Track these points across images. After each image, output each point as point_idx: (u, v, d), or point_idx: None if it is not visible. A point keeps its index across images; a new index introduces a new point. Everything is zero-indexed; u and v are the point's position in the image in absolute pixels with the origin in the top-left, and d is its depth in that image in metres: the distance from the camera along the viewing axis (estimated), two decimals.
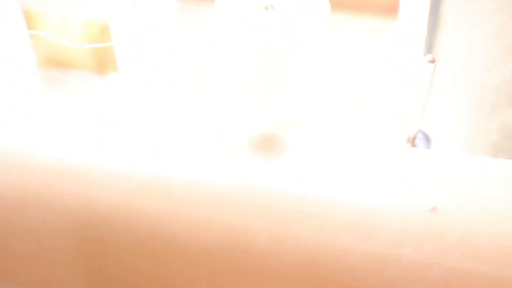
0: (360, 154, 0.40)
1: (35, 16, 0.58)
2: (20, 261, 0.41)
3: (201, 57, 0.54)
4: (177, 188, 0.38)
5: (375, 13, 0.62)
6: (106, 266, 0.40)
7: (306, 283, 0.38)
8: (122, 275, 0.40)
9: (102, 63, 0.63)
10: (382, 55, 0.55)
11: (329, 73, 0.53)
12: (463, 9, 0.60)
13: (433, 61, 0.37)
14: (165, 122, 0.42)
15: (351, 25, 0.62)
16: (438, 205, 0.37)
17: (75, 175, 0.39)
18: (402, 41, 0.58)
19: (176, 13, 0.60)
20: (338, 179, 0.39)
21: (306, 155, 0.40)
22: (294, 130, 0.42)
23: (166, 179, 0.39)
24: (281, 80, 0.41)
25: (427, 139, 0.46)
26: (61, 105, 0.46)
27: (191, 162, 0.39)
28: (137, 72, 0.57)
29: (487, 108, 0.58)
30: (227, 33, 0.40)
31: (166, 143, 0.40)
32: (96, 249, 0.39)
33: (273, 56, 0.40)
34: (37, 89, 0.55)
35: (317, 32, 0.41)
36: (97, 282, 0.41)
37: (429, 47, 0.57)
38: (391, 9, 0.64)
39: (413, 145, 0.44)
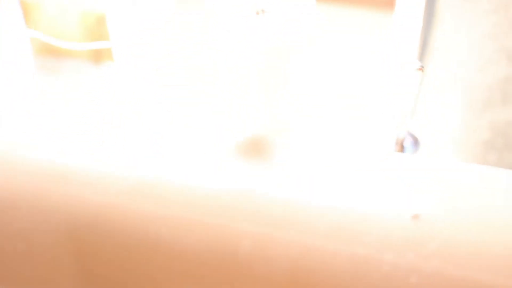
0: (346, 159, 0.40)
1: (32, 8, 0.59)
2: (10, 262, 0.42)
3: (201, 57, 0.54)
4: (166, 191, 0.39)
5: (371, 7, 0.62)
6: (97, 267, 0.41)
7: (290, 287, 0.39)
8: (113, 276, 0.41)
9: (98, 53, 0.63)
10: (377, 54, 0.56)
11: (324, 72, 0.54)
12: (458, 9, 0.60)
13: (421, 69, 0.38)
14: (160, 123, 0.42)
15: (347, 19, 0.62)
16: (421, 213, 0.37)
17: (67, 175, 0.40)
18: (398, 36, 0.58)
19: (176, 12, 0.60)
20: (324, 184, 0.39)
21: (292, 159, 0.40)
22: (284, 133, 0.43)
23: (154, 182, 0.39)
24: (280, 80, 0.41)
25: (416, 141, 0.46)
26: (55, 99, 0.46)
27: (181, 164, 0.40)
28: (134, 66, 0.57)
29: (479, 106, 0.59)
30: (226, 34, 0.40)
31: (160, 144, 0.41)
32: (87, 250, 0.40)
33: (272, 56, 0.40)
34: (33, 81, 0.55)
35: (310, 30, 0.41)
36: (87, 282, 0.41)
37: (424, 46, 0.58)
38: (388, 3, 0.63)
39: (402, 147, 0.44)
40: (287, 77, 0.41)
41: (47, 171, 0.40)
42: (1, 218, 0.41)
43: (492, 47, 0.59)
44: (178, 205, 0.39)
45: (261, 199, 0.39)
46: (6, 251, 0.42)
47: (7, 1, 0.59)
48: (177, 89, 0.51)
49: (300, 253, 0.38)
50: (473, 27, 0.59)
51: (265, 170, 0.40)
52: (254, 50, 0.39)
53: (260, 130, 0.42)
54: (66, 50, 0.62)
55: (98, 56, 0.63)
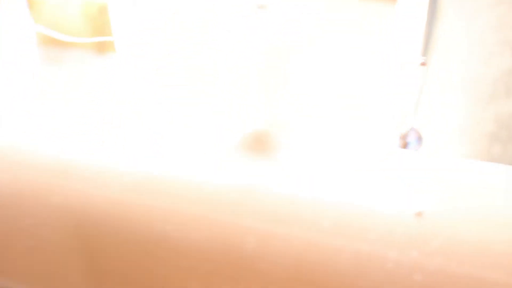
0: (350, 156, 0.40)
1: (35, 0, 0.58)
2: (18, 258, 0.42)
3: (201, 57, 0.54)
4: (171, 187, 0.39)
5: (374, 1, 0.62)
6: (104, 262, 0.41)
7: (294, 283, 0.39)
8: (118, 270, 0.41)
9: (101, 44, 0.63)
10: (380, 49, 0.55)
11: (325, 69, 0.54)
12: (462, 2, 0.60)
13: (424, 64, 0.38)
14: (163, 121, 0.42)
15: (351, 9, 0.61)
16: (424, 210, 0.38)
17: (73, 172, 0.40)
18: (402, 30, 0.58)
19: (176, 12, 0.60)
20: (328, 181, 0.39)
21: (296, 155, 0.40)
22: (286, 130, 0.43)
23: (160, 178, 0.39)
24: (280, 80, 0.41)
25: (419, 137, 0.47)
26: (59, 92, 0.46)
27: (185, 161, 0.40)
28: (136, 57, 0.57)
29: (484, 98, 0.59)
30: (226, 32, 0.40)
31: (162, 142, 0.41)
32: (93, 246, 0.40)
33: (273, 56, 0.40)
34: (37, 74, 0.55)
35: (310, 26, 0.41)
36: (94, 276, 0.42)
37: (427, 39, 0.57)
38: None
39: (405, 143, 0.44)
40: (287, 76, 0.41)
41: (54, 168, 0.40)
42: (10, 215, 0.41)
43: (495, 40, 0.59)
44: (183, 201, 0.39)
45: (266, 196, 0.39)
46: (15, 248, 0.42)
47: None
48: (180, 85, 0.51)
49: (304, 249, 0.38)
50: (477, 19, 0.59)
51: (270, 167, 0.40)
52: (254, 49, 0.39)
53: (259, 127, 0.42)
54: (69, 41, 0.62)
55: (101, 47, 0.63)
